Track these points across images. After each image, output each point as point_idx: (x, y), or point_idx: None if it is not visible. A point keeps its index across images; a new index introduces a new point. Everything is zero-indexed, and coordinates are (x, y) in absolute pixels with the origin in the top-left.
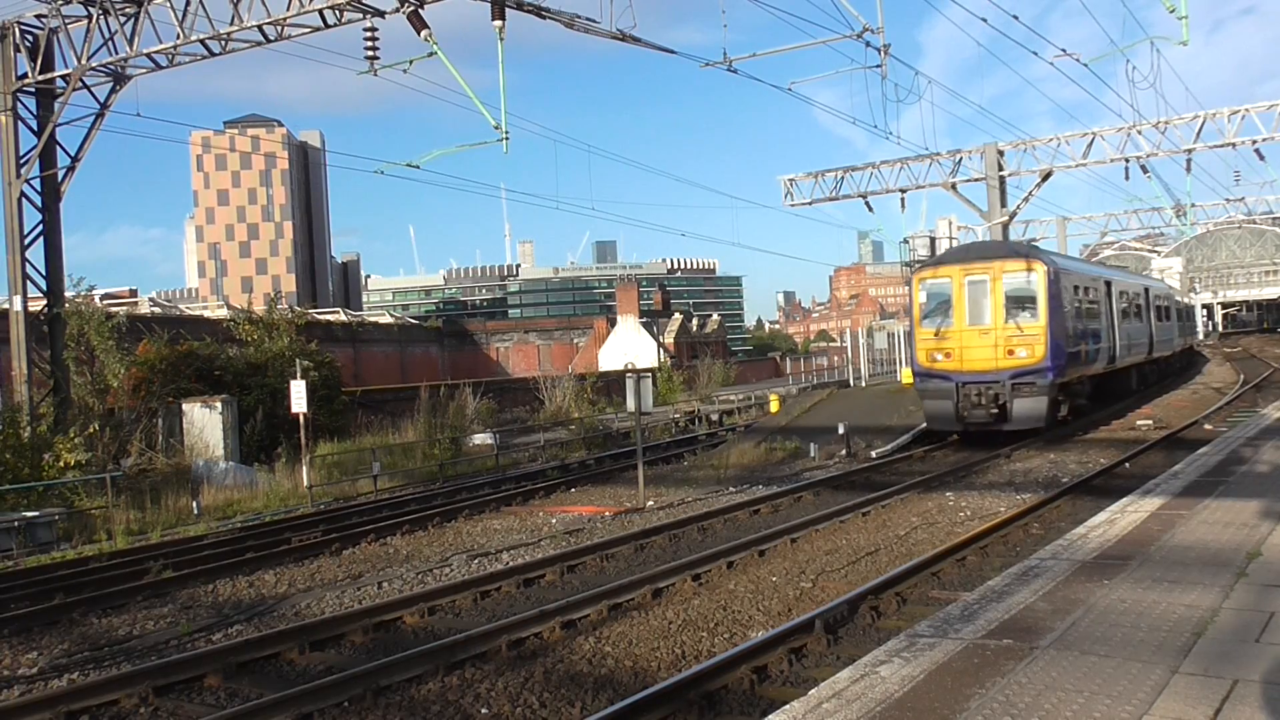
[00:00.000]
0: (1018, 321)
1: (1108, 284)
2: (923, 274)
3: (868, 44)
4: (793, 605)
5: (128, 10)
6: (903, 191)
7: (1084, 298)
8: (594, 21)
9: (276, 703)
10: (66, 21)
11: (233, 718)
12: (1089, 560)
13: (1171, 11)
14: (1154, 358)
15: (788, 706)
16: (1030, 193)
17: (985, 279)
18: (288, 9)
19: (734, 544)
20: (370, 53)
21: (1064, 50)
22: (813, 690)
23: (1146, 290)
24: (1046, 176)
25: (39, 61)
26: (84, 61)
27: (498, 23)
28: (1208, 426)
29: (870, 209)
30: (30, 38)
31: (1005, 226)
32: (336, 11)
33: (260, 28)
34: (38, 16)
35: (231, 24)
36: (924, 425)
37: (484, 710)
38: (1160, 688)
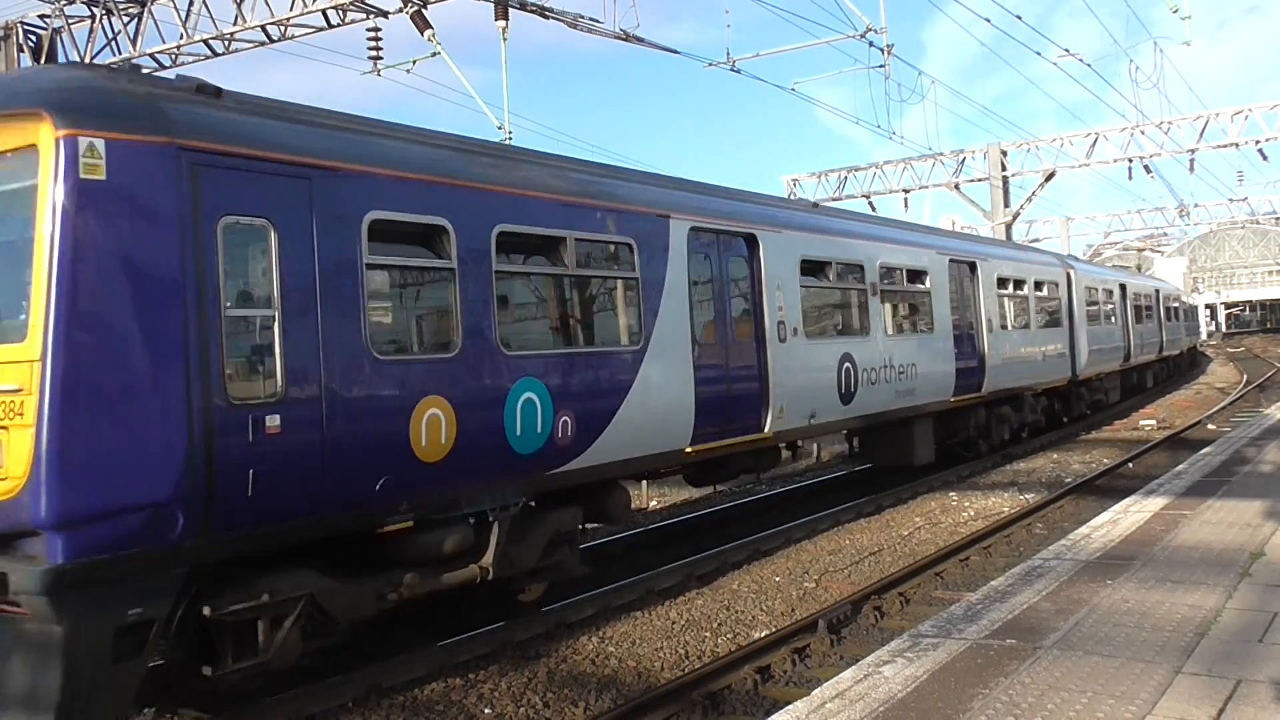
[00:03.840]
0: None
1: (748, 239)
2: None
3: (871, 44)
4: (796, 605)
5: (131, 10)
6: (906, 192)
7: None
8: (597, 21)
9: (279, 704)
10: (70, 22)
11: (235, 717)
12: (1092, 560)
13: (1175, 12)
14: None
15: (791, 706)
16: (1033, 193)
17: None
18: (291, 9)
19: (737, 544)
20: (373, 53)
21: (1067, 50)
22: (816, 690)
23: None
24: (1050, 176)
25: (42, 62)
26: (88, 62)
27: (501, 23)
28: (1211, 426)
29: (873, 209)
30: (34, 38)
31: (1009, 226)
32: (340, 11)
33: (263, 28)
34: (41, 16)
35: (235, 24)
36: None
37: (487, 710)
38: (1164, 688)
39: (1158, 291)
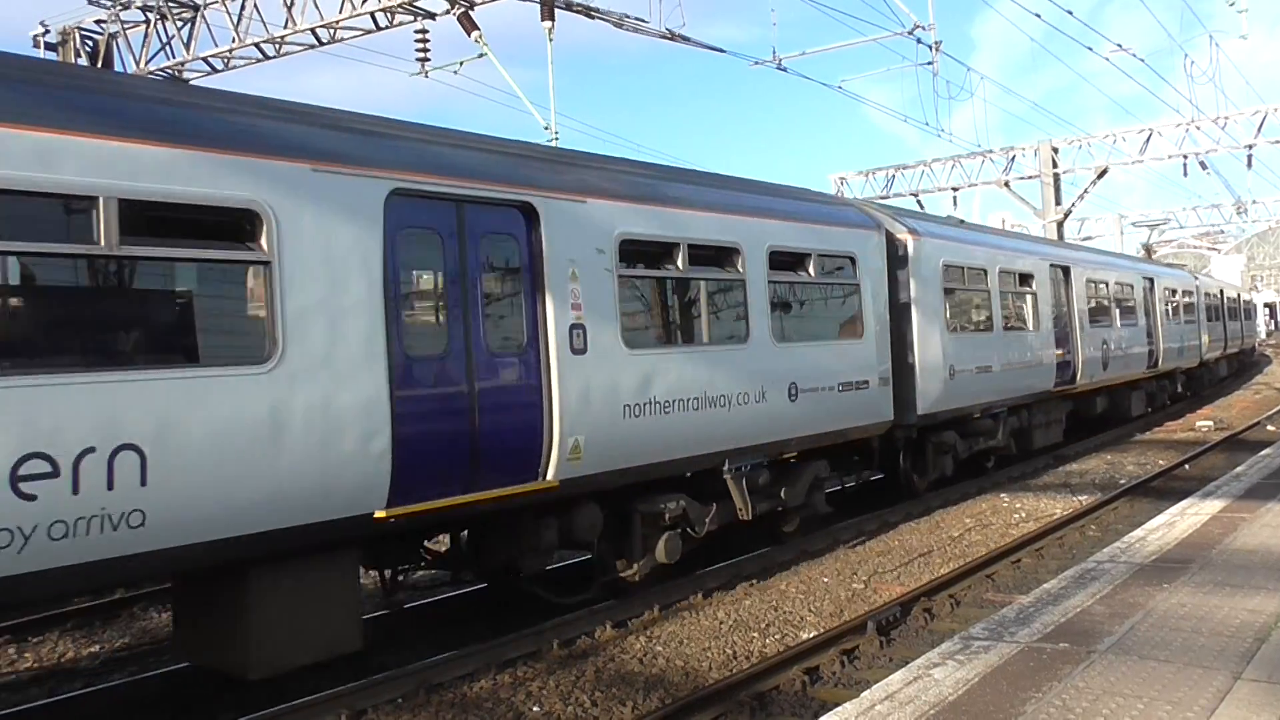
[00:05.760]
0: None
1: None
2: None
3: (919, 41)
4: (845, 606)
5: (184, 15)
6: (955, 190)
7: None
8: (643, 21)
9: (330, 698)
10: (125, 27)
11: (287, 712)
12: (1147, 563)
13: (1231, 5)
14: None
15: (840, 708)
16: (1085, 190)
17: None
18: (340, 12)
19: (783, 544)
20: (421, 54)
21: (1120, 45)
22: (865, 692)
23: None
24: (1102, 173)
25: (99, 66)
26: (142, 66)
27: (547, 24)
28: (1271, 428)
29: (921, 207)
30: (90, 43)
31: (1060, 224)
32: (388, 14)
33: (313, 31)
34: (97, 22)
35: (285, 27)
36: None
37: (535, 708)
38: (1222, 695)
39: (1151, 281)
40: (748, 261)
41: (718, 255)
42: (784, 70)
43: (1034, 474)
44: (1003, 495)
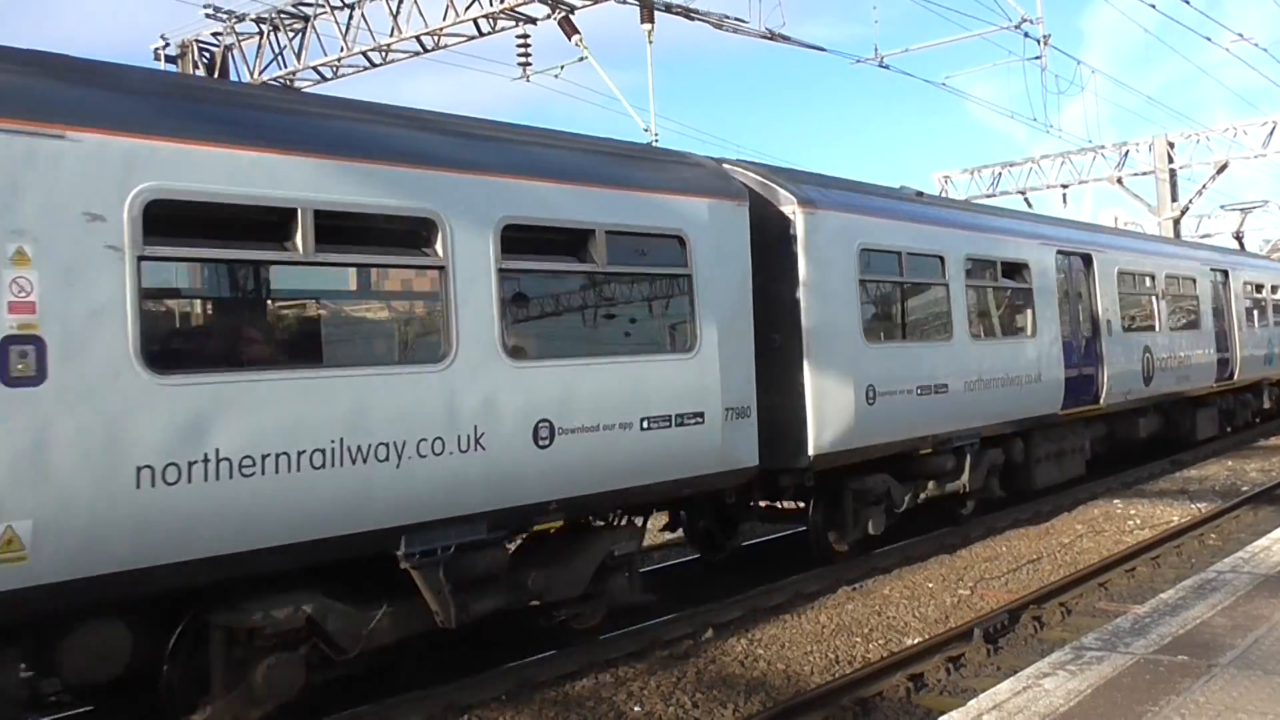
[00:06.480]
0: None
1: None
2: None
3: (1026, 35)
4: (950, 612)
5: (296, 26)
6: (1064, 187)
7: None
8: (743, 21)
9: (433, 694)
10: (240, 39)
11: (392, 707)
12: (1273, 574)
13: None
14: None
15: (946, 716)
16: (1204, 185)
17: None
18: (444, 19)
19: (885, 549)
20: (522, 59)
21: (1241, 35)
22: (972, 701)
23: None
24: (1222, 168)
25: (215, 76)
26: (256, 76)
27: (646, 26)
28: None
29: (1029, 205)
30: (207, 55)
31: (1177, 222)
32: (490, 20)
33: (418, 38)
34: (214, 34)
35: (391, 36)
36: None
37: (636, 708)
38: None
39: (1225, 274)
40: (456, 241)
41: (392, 230)
42: (886, 68)
43: (1148, 479)
44: (1115, 501)
